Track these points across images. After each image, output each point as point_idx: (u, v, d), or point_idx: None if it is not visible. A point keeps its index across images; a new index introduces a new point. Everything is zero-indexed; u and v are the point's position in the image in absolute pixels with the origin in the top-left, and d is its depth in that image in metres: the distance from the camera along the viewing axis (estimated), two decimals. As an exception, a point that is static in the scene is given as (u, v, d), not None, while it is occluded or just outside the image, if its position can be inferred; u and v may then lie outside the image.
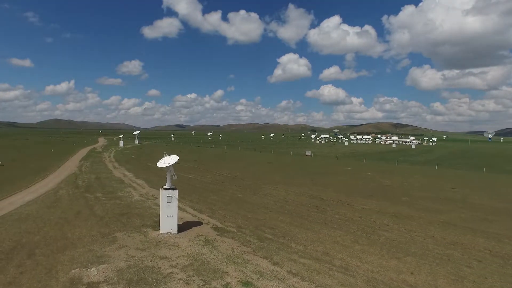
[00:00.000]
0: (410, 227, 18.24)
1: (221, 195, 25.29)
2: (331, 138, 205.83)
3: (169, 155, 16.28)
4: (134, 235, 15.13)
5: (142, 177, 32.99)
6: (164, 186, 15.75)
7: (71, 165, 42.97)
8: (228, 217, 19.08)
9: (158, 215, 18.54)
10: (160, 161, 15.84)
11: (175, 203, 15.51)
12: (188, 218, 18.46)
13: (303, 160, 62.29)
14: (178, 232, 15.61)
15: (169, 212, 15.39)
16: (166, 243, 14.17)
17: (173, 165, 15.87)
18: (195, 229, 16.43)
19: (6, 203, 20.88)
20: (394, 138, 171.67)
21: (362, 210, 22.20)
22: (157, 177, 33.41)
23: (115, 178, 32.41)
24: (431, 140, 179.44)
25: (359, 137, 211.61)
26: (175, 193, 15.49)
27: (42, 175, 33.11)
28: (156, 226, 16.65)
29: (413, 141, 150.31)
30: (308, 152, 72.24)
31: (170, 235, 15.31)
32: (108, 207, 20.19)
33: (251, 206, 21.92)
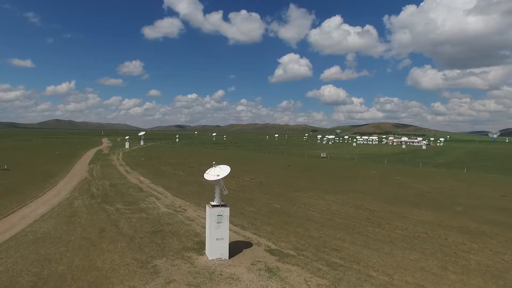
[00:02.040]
0: (493, 247, 15.50)
1: (257, 205, 22.55)
2: (336, 138, 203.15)
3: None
4: (178, 262, 12.38)
5: (161, 184, 30.25)
6: (212, 203, 13.04)
7: (80, 169, 40.23)
8: (278, 234, 16.36)
9: (196, 233, 15.96)
10: (207, 172, 13.10)
11: (226, 223, 12.79)
12: (233, 236, 15.67)
13: (320, 162, 59.52)
14: (229, 258, 12.90)
15: (219, 234, 12.66)
16: (221, 274, 11.43)
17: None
18: (247, 253, 13.70)
19: (18, 217, 18.15)
20: (404, 139, 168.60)
21: (421, 223, 19.50)
22: (177, 183, 30.72)
23: (132, 184, 29.67)
24: (438, 141, 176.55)
25: (365, 137, 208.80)
26: (226, 211, 12.77)
27: (52, 181, 30.38)
28: (199, 248, 13.94)
29: (422, 142, 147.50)
30: (323, 154, 69.49)
31: (221, 261, 12.59)
32: (134, 222, 17.45)
33: (296, 220, 19.19)
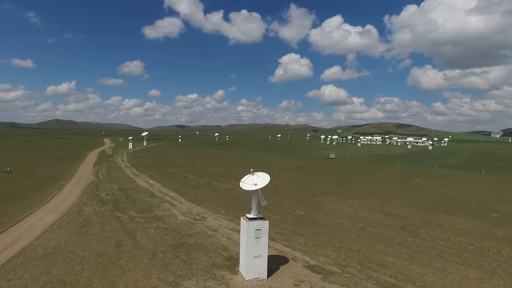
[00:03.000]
0: (553, 261, 13.91)
1: (280, 213, 20.97)
2: (340, 139, 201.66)
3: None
4: (211, 284, 10.81)
5: (172, 188, 28.66)
6: (249, 215, 11.46)
7: (85, 171, 38.65)
8: (312, 246, 14.79)
9: (223, 247, 14.38)
10: (243, 180, 11.53)
11: (265, 238, 11.21)
12: (264, 250, 14.10)
13: (331, 164, 57.91)
14: (267, 277, 11.34)
15: (257, 251, 11.09)
16: (264, 300, 9.86)
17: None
18: (286, 270, 12.13)
19: (24, 226, 16.57)
20: (410, 139, 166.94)
21: (462, 232, 17.91)
22: (190, 187, 29.11)
23: (142, 189, 28.09)
24: (443, 141, 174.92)
25: (368, 137, 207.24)
26: (265, 224, 11.19)
27: (57, 185, 28.80)
28: (230, 265, 12.37)
29: (428, 142, 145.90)
30: (332, 155, 67.93)
31: (260, 282, 11.02)
32: (153, 233, 15.87)
33: (327, 229, 17.60)
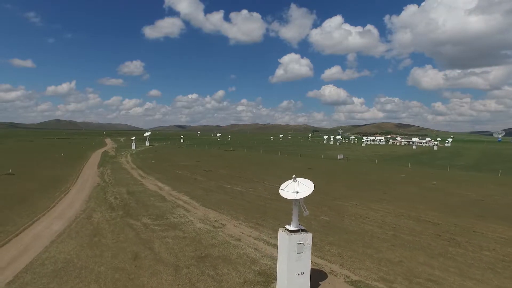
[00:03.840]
0: None
1: (303, 218, 19.56)
2: (342, 139, 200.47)
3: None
4: (248, 306, 9.44)
5: (183, 191, 27.28)
6: (289, 227, 10.10)
7: (90, 173, 37.26)
8: (348, 258, 13.43)
9: (252, 259, 13.00)
10: (283, 187, 10.17)
11: (308, 253, 9.85)
12: (297, 263, 12.72)
13: (341, 165, 56.56)
14: (309, 297, 9.98)
15: (300, 267, 9.74)
16: (314, 328, 8.48)
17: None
18: (327, 287, 10.77)
19: (30, 236, 15.19)
20: (415, 139, 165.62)
21: (504, 241, 16.55)
22: (201, 191, 27.72)
23: (151, 192, 26.71)
24: (446, 141, 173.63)
25: (371, 138, 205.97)
26: (308, 238, 9.85)
27: (62, 188, 27.42)
28: (264, 282, 11.01)
29: (433, 143, 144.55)
30: (340, 156, 66.58)
31: (302, 304, 9.65)
32: (172, 244, 14.49)
33: (358, 237, 16.24)
